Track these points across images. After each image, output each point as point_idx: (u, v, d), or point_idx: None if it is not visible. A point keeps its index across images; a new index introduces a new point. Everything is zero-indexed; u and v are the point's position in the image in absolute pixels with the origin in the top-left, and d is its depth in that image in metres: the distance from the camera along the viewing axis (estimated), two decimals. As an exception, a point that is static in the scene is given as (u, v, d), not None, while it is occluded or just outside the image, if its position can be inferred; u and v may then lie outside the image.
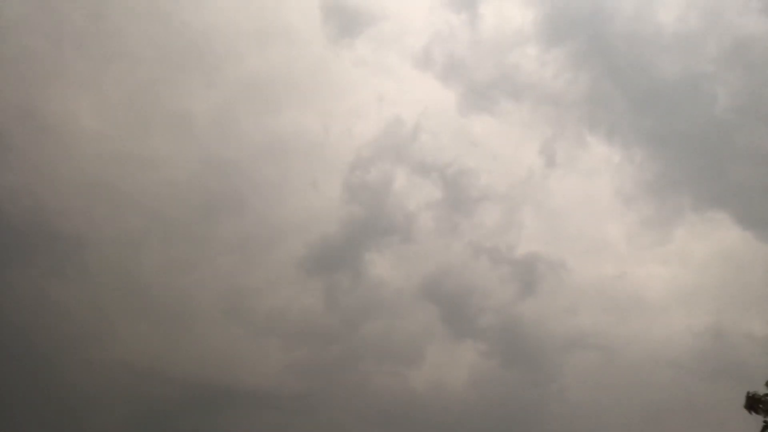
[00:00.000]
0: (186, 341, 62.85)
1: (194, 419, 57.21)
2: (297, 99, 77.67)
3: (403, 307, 68.43)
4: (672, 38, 73.48)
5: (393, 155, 75.93)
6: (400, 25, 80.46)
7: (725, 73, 71.55)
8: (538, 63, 77.24)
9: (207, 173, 71.18)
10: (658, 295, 66.70)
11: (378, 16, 78.98)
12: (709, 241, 68.52)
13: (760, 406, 28.23)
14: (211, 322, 64.65)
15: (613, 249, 71.32)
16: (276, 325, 65.95)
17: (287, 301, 67.96)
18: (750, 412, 28.49)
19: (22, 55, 66.68)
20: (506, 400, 60.81)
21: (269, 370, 62.12)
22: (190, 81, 74.12)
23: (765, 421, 28.64)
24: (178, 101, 73.04)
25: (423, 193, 74.45)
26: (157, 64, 73.27)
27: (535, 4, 77.33)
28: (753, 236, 67.34)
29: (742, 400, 29.24)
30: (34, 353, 56.09)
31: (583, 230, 74.35)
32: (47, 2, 69.39)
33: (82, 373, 57.38)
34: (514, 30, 77.88)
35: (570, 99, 76.87)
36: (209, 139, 72.34)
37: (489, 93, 77.67)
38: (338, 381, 62.00)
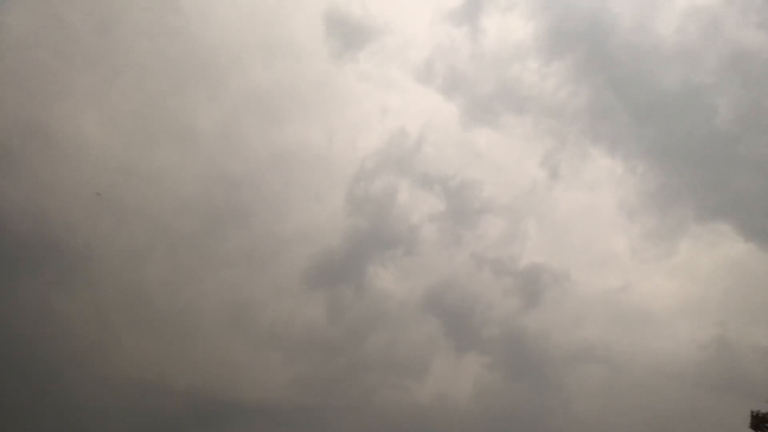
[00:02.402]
0: (190, 354, 62.96)
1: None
2: (301, 112, 78.26)
3: (407, 319, 68.59)
4: (672, 50, 74.06)
5: (396, 167, 76.41)
6: (402, 38, 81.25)
7: (725, 84, 72.05)
8: (539, 76, 77.95)
9: (212, 186, 71.70)
10: (663, 307, 66.78)
11: (380, 30, 79.81)
12: (712, 253, 68.70)
13: (766, 425, 28.38)
14: (215, 335, 64.81)
15: (617, 261, 71.53)
16: (280, 337, 66.07)
17: (291, 313, 68.13)
18: (756, 432, 28.67)
19: (29, 69, 67.29)
20: (511, 413, 60.76)
21: (273, 383, 62.18)
22: (196, 95, 74.81)
23: (771, 439, 28.81)
24: (184, 115, 73.65)
25: (426, 205, 74.86)
26: (163, 78, 73.94)
27: (535, 17, 78.12)
28: (756, 247, 67.53)
29: (748, 413, 29.37)
30: (40, 365, 56.14)
31: (587, 242, 74.66)
32: (55, 17, 70.07)
33: (87, 385, 57.42)
34: (515, 43, 78.68)
35: (571, 111, 77.41)
36: (214, 152, 72.90)
37: (491, 106, 78.30)
38: (342, 394, 62.09)
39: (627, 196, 73.42)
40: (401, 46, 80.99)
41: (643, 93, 75.76)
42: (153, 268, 66.56)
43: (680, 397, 56.94)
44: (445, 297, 69.54)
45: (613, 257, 71.91)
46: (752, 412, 28.78)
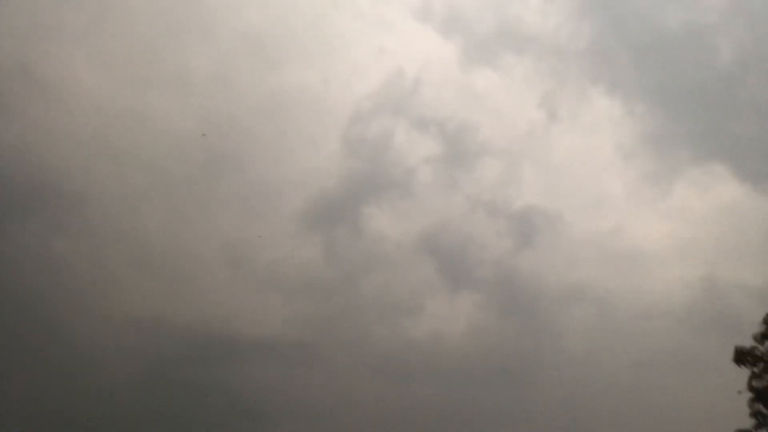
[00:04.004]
0: (189, 294, 64.03)
1: (199, 369, 58.62)
2: (296, 53, 76.75)
3: (402, 260, 69.45)
4: (675, -12, 72.32)
5: (392, 109, 75.68)
6: (399, -25, 78.84)
7: (728, 25, 70.76)
8: (540, 15, 76.28)
9: (206, 129, 70.78)
10: (655, 249, 67.65)
11: (377, -36, 77.35)
12: (707, 195, 69.12)
13: (748, 359, 29.31)
14: (213, 276, 65.67)
15: (611, 203, 71.98)
16: (277, 278, 67.07)
17: (288, 255, 68.87)
18: (739, 366, 29.61)
19: (17, 9, 65.50)
20: (502, 350, 62.39)
21: (271, 321, 63.45)
22: (189, 36, 73.11)
23: (752, 372, 29.79)
24: (177, 56, 72.24)
25: (422, 147, 74.53)
26: (155, 18, 72.17)
27: (537, -47, 75.68)
28: (751, 189, 68.00)
29: (732, 350, 30.33)
30: (41, 307, 57.04)
31: (582, 184, 74.87)
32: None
33: (88, 325, 58.55)
34: (516, -20, 76.57)
35: (572, 51, 76.13)
36: (208, 95, 71.86)
37: (490, 46, 76.92)
38: (339, 332, 63.43)
39: (624, 138, 73.23)
40: (399, -18, 78.92)
41: (644, 33, 74.56)
42: (150, 211, 66.85)
43: (667, 334, 58.45)
44: (439, 239, 70.35)
45: (608, 199, 72.43)
46: (736, 347, 29.72)
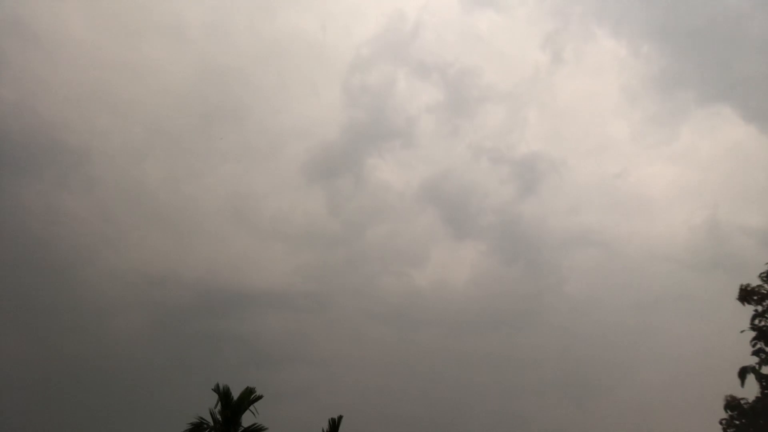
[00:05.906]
0: (196, 246, 64.62)
1: (209, 319, 59.69)
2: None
3: (406, 210, 69.72)
4: None
5: (393, 55, 74.28)
6: None
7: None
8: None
9: (204, 81, 69.90)
10: (661, 193, 67.62)
11: None
12: (713, 138, 68.49)
13: (754, 297, 29.55)
14: (219, 228, 66.11)
15: (617, 147, 71.51)
16: (281, 229, 67.47)
17: (291, 206, 69.08)
18: (743, 304, 29.88)
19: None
20: (506, 294, 63.26)
21: (278, 271, 64.22)
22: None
23: (755, 311, 30.12)
24: (170, 5, 70.42)
25: (424, 95, 73.54)
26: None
27: None
28: (756, 130, 67.38)
29: (735, 291, 30.59)
30: (51, 264, 57.55)
31: (587, 128, 74.25)
32: None
33: (98, 280, 59.24)
34: None
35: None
36: (204, 45, 70.36)
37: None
38: (346, 281, 64.34)
39: (630, 80, 71.97)
40: None
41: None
42: (153, 165, 66.76)
43: (670, 277, 59.04)
44: (443, 187, 70.38)
45: (613, 143, 71.93)
46: (741, 285, 29.92)
